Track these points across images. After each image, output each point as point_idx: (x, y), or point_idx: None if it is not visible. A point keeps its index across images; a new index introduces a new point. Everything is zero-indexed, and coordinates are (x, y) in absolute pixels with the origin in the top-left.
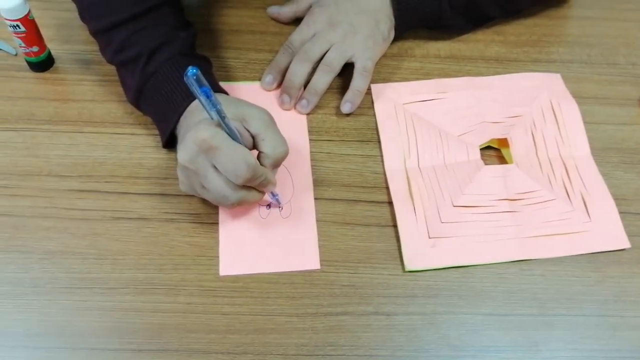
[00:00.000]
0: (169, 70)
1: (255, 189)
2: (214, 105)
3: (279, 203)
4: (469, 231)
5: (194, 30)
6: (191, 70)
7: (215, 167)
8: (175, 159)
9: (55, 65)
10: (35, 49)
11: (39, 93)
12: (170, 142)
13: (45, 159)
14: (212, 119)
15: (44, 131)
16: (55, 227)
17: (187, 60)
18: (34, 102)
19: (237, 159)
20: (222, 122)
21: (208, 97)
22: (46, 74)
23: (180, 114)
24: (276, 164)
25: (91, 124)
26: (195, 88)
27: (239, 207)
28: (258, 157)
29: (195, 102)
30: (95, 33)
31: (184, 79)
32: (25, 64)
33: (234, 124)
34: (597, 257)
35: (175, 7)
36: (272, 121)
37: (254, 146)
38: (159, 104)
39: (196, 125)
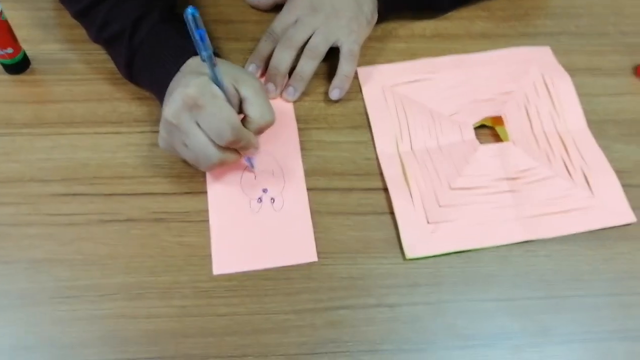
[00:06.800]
0: (153, 41)
1: (235, 151)
2: (207, 48)
3: (253, 167)
4: (469, 214)
5: None
6: (190, 10)
7: (199, 125)
8: (161, 156)
9: (31, 66)
10: (9, 50)
11: (16, 96)
12: None
13: (27, 163)
14: (202, 60)
15: (24, 135)
16: (40, 235)
17: (168, 26)
18: (11, 105)
19: (222, 119)
20: (212, 70)
21: (202, 39)
22: (22, 76)
23: (170, 79)
24: (260, 131)
25: (72, 124)
26: (191, 28)
27: (227, 199)
28: (243, 121)
29: (184, 65)
30: (76, 15)
31: (184, 16)
32: (0, 66)
33: (225, 81)
34: (602, 233)
35: None
36: (263, 89)
37: (241, 110)
38: (150, 75)
39: (186, 82)
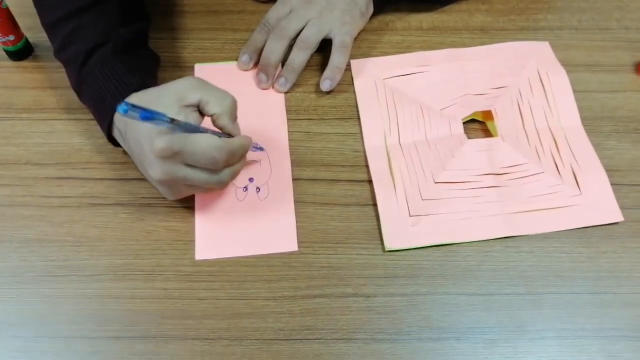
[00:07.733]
0: (100, 72)
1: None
2: (163, 120)
3: (262, 150)
4: (451, 208)
5: (143, 23)
6: (121, 108)
7: (190, 165)
8: None
9: (34, 53)
10: (11, 37)
11: (18, 82)
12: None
13: (24, 147)
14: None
15: (23, 119)
16: (33, 216)
17: (117, 60)
18: (12, 91)
19: (204, 150)
20: (177, 127)
21: (152, 118)
22: (25, 63)
23: (111, 114)
24: (233, 117)
25: (69, 110)
26: (135, 118)
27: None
28: (215, 123)
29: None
30: (43, 26)
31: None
32: (4, 53)
33: (182, 113)
34: (588, 231)
35: None
36: (204, 82)
37: (202, 115)
38: (93, 105)
39: (150, 139)
